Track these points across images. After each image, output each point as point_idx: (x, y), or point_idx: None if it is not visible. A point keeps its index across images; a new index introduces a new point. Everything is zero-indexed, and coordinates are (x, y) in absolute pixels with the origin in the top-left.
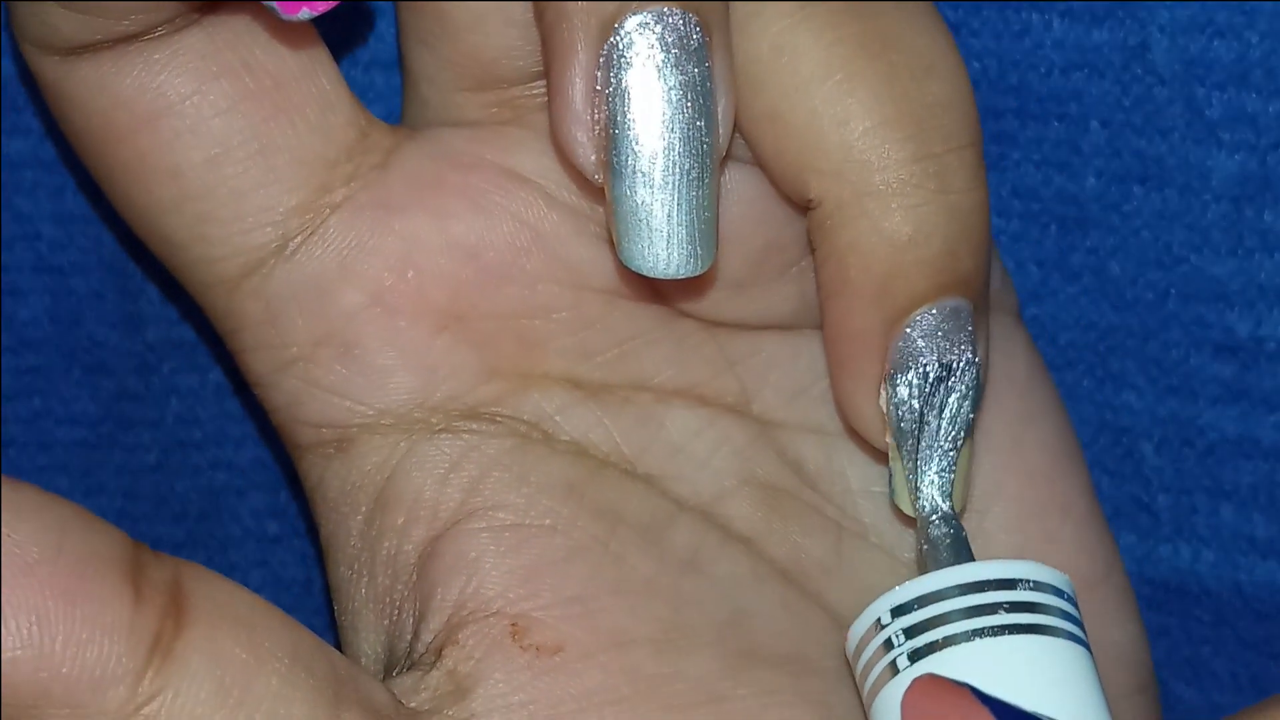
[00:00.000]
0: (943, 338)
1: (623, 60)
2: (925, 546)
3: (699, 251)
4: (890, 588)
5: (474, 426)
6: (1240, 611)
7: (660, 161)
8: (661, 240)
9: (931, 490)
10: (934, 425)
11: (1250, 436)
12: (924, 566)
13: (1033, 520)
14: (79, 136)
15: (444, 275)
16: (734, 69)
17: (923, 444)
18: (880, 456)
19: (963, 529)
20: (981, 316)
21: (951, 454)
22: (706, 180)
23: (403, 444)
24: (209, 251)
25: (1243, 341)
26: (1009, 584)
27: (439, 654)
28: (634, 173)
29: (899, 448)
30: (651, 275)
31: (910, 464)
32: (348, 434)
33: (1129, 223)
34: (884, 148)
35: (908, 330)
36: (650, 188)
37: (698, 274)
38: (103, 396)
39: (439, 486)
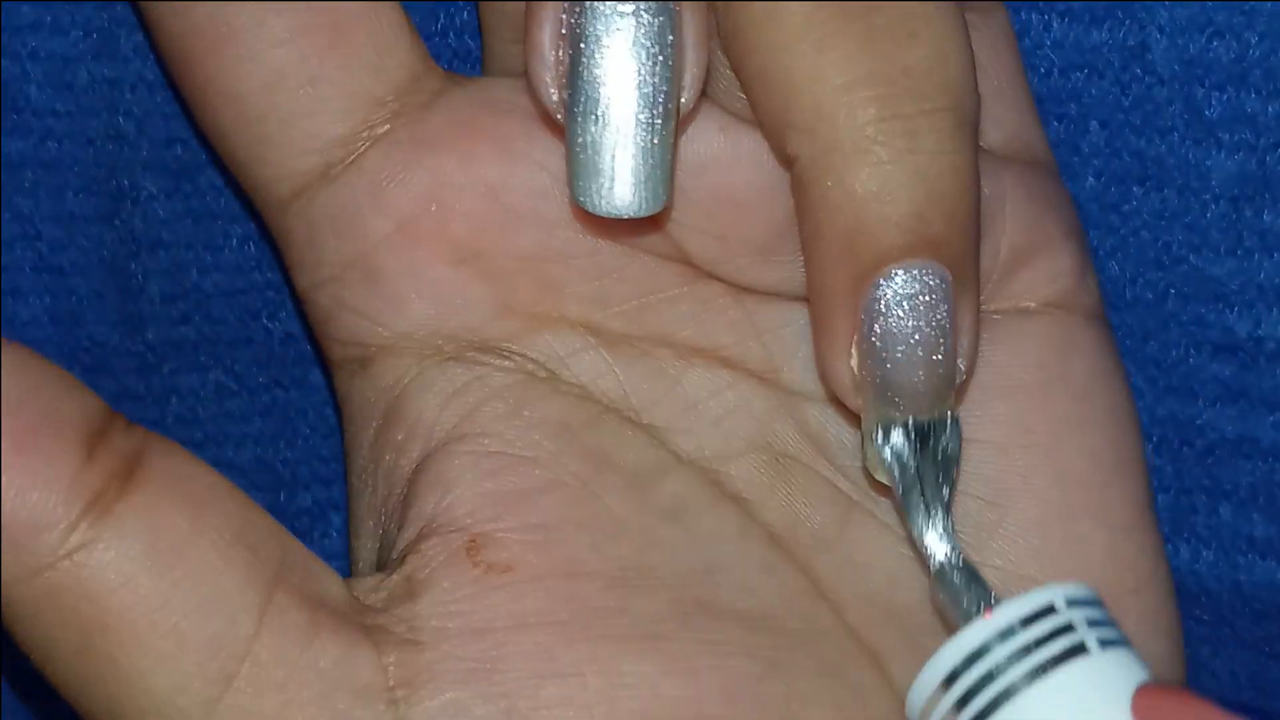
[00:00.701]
0: (911, 301)
1: (585, 4)
2: (943, 595)
3: (643, 194)
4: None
5: (483, 359)
6: (1239, 611)
7: (609, 103)
8: (607, 179)
9: (936, 542)
10: (925, 473)
11: (1249, 436)
12: (946, 611)
13: (1057, 523)
14: (166, 60)
15: (465, 211)
16: (708, 26)
17: (912, 496)
18: (856, 420)
19: (974, 569)
20: (966, 291)
21: (944, 495)
22: (658, 126)
23: (415, 367)
24: (264, 173)
25: (1242, 341)
26: (1040, 614)
27: (403, 560)
28: (585, 112)
29: (873, 417)
30: (595, 213)
31: (910, 516)
32: (368, 353)
33: (1128, 223)
34: (852, 106)
35: (875, 291)
36: (599, 127)
37: (640, 216)
38: (103, 396)
39: (439, 409)
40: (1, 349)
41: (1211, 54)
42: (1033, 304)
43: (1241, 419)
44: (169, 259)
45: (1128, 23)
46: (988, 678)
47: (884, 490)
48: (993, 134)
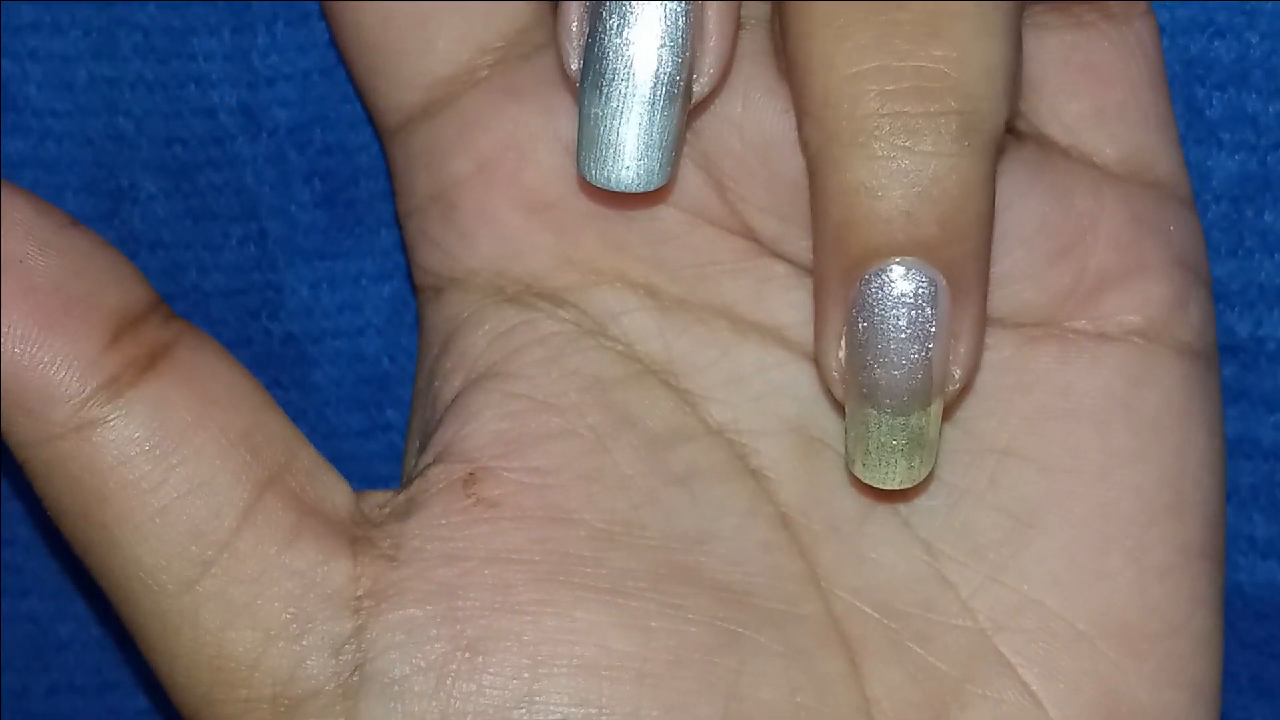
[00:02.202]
0: (896, 300)
1: None
2: None
3: (640, 171)
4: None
5: (539, 304)
6: (1240, 611)
7: (614, 78)
8: (606, 153)
9: None
10: None
11: (1250, 436)
12: None
13: (1086, 554)
14: None
15: (539, 162)
16: (736, 16)
17: None
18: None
19: None
20: (966, 298)
21: None
22: (660, 106)
23: (475, 303)
24: (376, 102)
25: (1243, 341)
26: None
27: (412, 481)
28: (592, 85)
29: (858, 412)
30: (594, 184)
31: None
32: (441, 283)
33: None
34: (857, 97)
35: (862, 286)
36: (603, 101)
37: (636, 191)
38: None
39: (485, 346)
40: (58, 230)
41: (1212, 54)
42: (1114, 329)
43: (1242, 419)
44: (169, 259)
45: None
46: None
47: (865, 488)
48: (1108, 150)
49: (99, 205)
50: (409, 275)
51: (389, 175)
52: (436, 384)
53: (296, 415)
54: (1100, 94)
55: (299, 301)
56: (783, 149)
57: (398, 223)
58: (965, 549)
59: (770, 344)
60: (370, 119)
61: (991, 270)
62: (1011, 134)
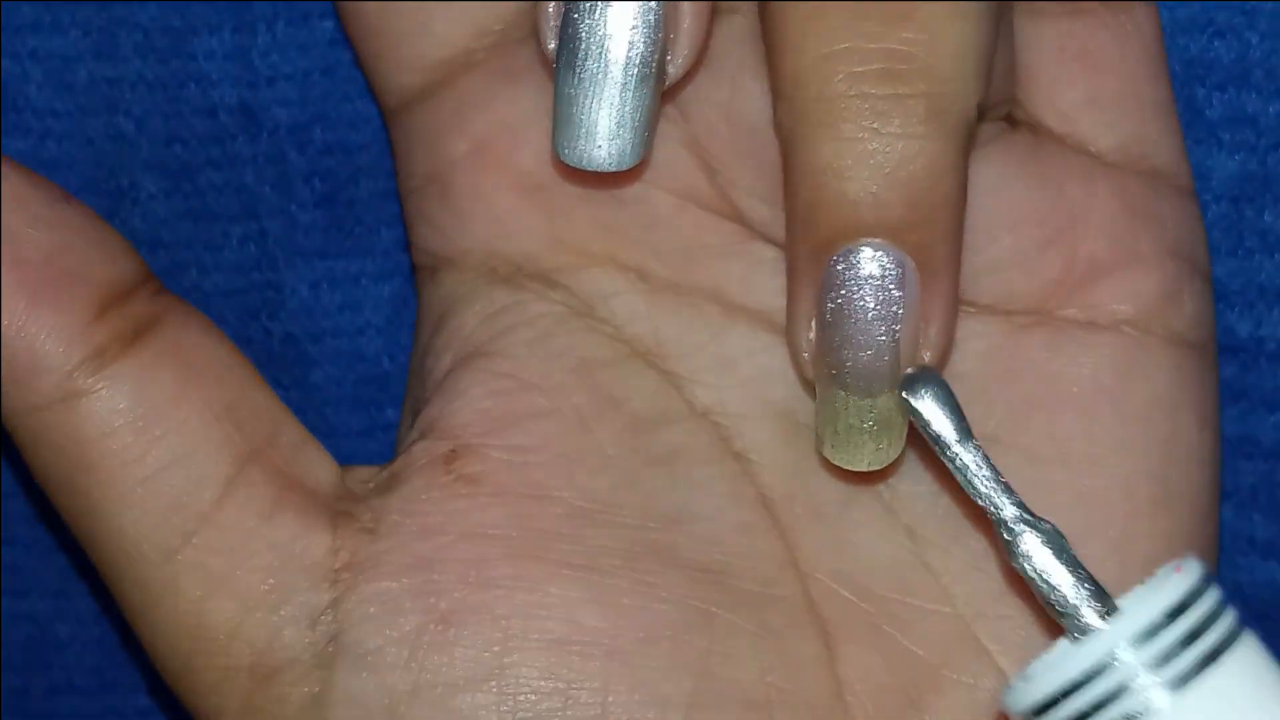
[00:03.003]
0: (863, 282)
1: None
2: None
3: (612, 150)
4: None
5: (530, 285)
6: (1240, 611)
7: (587, 58)
8: (579, 132)
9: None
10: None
11: (1250, 437)
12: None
13: (1070, 541)
14: None
15: (532, 144)
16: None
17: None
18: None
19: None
20: (937, 281)
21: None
22: (632, 87)
23: (469, 283)
24: (377, 83)
25: (1243, 341)
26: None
27: (397, 457)
28: (566, 65)
29: (827, 393)
30: (568, 164)
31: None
32: (437, 263)
33: None
34: (824, 78)
35: (831, 267)
36: (576, 81)
37: (607, 170)
38: None
39: (475, 325)
40: (50, 204)
41: (1212, 54)
42: (1105, 318)
43: (1242, 419)
44: (169, 259)
45: None
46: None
47: (840, 470)
48: (1103, 139)
49: (99, 205)
50: (409, 269)
51: (392, 158)
52: (429, 362)
53: (296, 415)
54: (1095, 82)
55: (299, 301)
56: (770, 133)
57: (399, 203)
58: (948, 535)
59: (759, 328)
60: (374, 99)
61: (980, 257)
62: (1005, 121)
